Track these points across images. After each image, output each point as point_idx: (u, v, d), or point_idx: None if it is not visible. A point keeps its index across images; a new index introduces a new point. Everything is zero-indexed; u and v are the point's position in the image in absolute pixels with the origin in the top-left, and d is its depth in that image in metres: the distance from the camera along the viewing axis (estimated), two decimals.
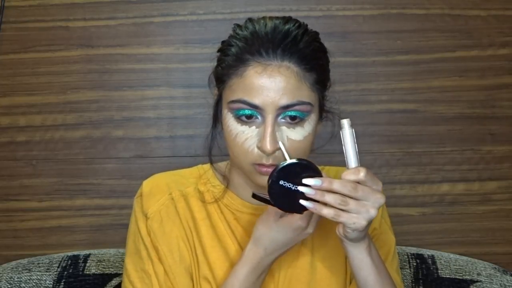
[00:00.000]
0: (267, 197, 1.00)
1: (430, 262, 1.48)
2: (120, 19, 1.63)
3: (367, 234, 1.03)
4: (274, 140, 1.03)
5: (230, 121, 1.07)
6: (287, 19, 1.08)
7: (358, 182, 0.95)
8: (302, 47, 1.05)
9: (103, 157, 1.65)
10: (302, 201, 0.97)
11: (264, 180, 1.03)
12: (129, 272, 1.16)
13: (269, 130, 1.03)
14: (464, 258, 1.51)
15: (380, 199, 0.96)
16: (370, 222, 0.97)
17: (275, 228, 1.06)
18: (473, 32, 1.65)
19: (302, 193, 0.96)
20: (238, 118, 1.05)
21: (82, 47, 1.63)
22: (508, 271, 1.48)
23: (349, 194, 0.95)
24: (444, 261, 1.48)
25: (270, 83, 1.03)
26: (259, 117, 1.05)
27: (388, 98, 1.65)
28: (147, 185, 1.19)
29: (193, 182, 1.19)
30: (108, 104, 1.65)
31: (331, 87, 1.14)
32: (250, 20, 1.10)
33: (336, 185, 0.95)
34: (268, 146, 1.02)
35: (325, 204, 0.96)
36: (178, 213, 1.16)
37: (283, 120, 1.05)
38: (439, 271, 1.46)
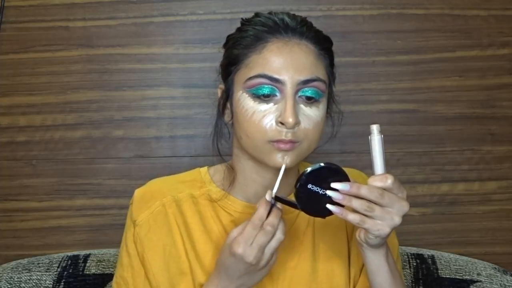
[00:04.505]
0: (290, 200, 1.00)
1: (430, 262, 1.48)
2: (120, 19, 1.63)
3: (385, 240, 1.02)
4: (296, 113, 1.04)
5: (245, 101, 1.07)
6: (293, 14, 1.12)
7: (384, 189, 0.95)
8: (316, 31, 1.10)
9: (103, 157, 1.65)
10: (328, 206, 0.97)
11: (281, 158, 1.04)
12: (114, 277, 1.18)
13: (290, 103, 1.04)
14: (464, 258, 1.51)
15: (405, 207, 0.96)
16: (393, 229, 0.97)
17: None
18: (473, 32, 1.65)
19: (329, 197, 0.96)
20: (257, 97, 1.05)
21: (82, 47, 1.63)
22: (508, 271, 1.48)
23: (375, 201, 0.95)
24: (444, 261, 1.48)
25: (291, 58, 1.05)
26: (277, 94, 1.05)
27: (388, 98, 1.65)
28: (139, 192, 1.19)
29: (187, 186, 1.18)
30: (108, 104, 1.64)
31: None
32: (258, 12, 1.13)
33: (364, 191, 0.95)
34: (290, 118, 1.03)
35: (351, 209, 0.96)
36: (168, 219, 1.15)
37: (300, 99, 1.06)
38: (439, 271, 1.46)
